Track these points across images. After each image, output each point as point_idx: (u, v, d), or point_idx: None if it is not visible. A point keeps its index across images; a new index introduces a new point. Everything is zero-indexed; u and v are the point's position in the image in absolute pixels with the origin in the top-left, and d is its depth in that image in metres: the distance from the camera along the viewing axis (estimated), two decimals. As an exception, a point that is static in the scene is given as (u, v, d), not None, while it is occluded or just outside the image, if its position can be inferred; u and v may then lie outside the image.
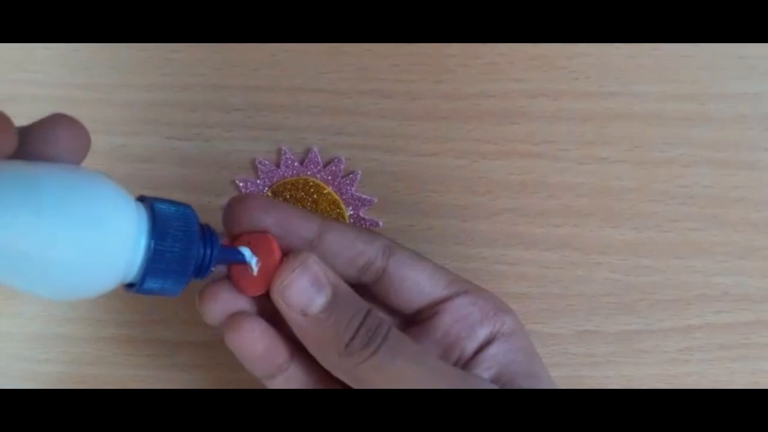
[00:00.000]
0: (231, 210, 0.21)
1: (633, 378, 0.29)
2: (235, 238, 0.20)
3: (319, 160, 0.27)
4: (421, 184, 0.28)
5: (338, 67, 0.27)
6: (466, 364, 0.22)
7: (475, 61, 0.27)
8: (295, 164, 0.27)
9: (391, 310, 0.23)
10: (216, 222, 0.28)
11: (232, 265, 0.20)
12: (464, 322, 0.22)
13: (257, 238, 0.20)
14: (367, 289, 0.22)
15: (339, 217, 0.27)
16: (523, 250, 0.28)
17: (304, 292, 0.19)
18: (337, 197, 0.27)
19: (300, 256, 0.20)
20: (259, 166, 0.27)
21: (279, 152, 0.27)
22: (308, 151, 0.27)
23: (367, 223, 0.27)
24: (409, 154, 0.28)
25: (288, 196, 0.27)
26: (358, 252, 0.21)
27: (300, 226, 0.21)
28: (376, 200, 0.27)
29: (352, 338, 0.19)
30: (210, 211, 0.27)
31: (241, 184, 0.27)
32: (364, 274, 0.22)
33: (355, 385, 0.20)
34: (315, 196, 0.27)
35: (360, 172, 0.27)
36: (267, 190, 0.27)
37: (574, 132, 0.27)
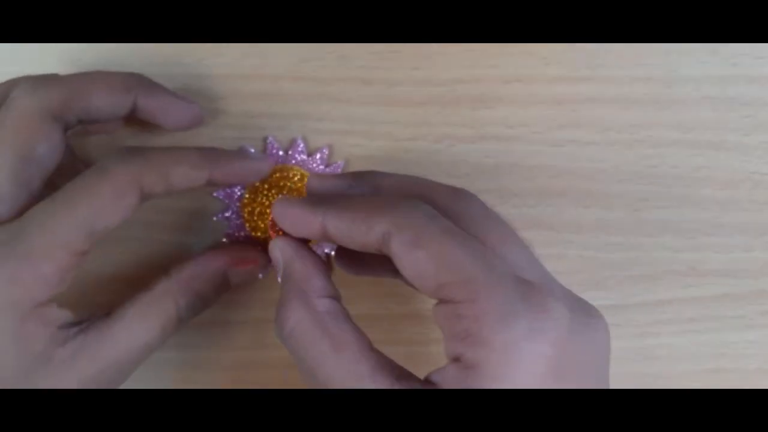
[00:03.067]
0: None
1: (606, 351, 0.30)
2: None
3: (303, 149, 0.28)
4: (401, 168, 0.29)
5: (319, 55, 0.28)
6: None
7: (451, 48, 0.28)
8: (280, 153, 0.28)
9: None
10: (206, 208, 0.29)
11: None
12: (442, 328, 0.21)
13: None
14: None
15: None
16: (500, 230, 0.29)
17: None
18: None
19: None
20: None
21: (265, 142, 0.28)
22: (293, 140, 0.28)
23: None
24: (389, 139, 0.29)
25: (273, 183, 0.28)
26: (355, 240, 0.22)
27: (306, 224, 0.23)
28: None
29: None
30: (197, 198, 0.29)
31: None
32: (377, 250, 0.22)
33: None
34: (299, 185, 0.28)
35: (343, 163, 0.28)
36: None
37: (546, 115, 0.28)
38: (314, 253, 0.24)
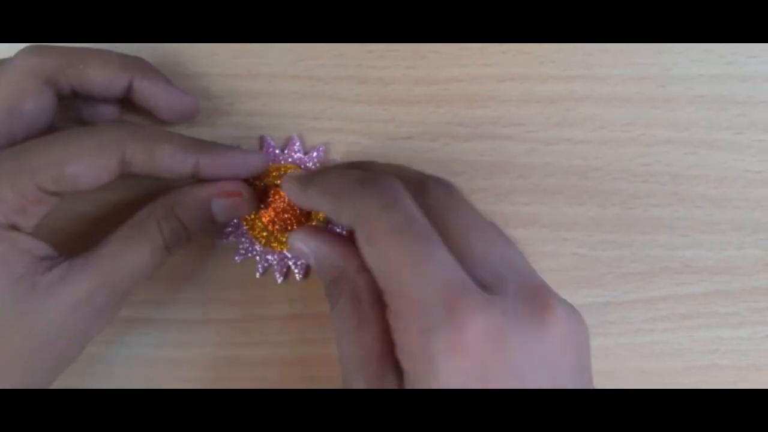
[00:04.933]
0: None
1: (601, 348, 0.31)
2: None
3: (300, 147, 0.28)
4: (397, 166, 0.29)
5: (315, 54, 0.28)
6: None
7: (446, 47, 0.28)
8: (276, 152, 0.28)
9: None
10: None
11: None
12: None
13: None
14: None
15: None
16: (495, 227, 0.29)
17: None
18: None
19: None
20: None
21: (261, 140, 0.29)
22: (289, 139, 0.28)
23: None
24: (384, 137, 0.29)
25: (270, 182, 0.28)
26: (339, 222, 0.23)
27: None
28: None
29: None
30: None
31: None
32: None
33: None
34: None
35: (338, 160, 0.29)
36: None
37: (540, 114, 0.29)
38: (336, 233, 0.25)
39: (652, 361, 0.31)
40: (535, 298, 0.20)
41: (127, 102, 0.27)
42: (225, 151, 0.26)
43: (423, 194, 0.22)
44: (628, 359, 0.31)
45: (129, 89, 0.26)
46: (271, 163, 0.28)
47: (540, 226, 0.29)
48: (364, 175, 0.22)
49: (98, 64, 0.25)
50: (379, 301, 0.21)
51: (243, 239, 0.29)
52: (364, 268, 0.22)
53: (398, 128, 0.29)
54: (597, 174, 0.29)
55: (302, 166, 0.28)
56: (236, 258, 0.29)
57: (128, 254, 0.24)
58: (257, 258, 0.29)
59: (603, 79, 0.28)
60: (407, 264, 0.20)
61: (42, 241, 0.24)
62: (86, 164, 0.23)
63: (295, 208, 0.28)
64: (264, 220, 0.28)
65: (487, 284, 0.20)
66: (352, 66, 0.28)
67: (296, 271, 0.29)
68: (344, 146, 0.29)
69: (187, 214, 0.26)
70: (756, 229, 0.30)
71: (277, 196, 0.28)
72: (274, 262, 0.29)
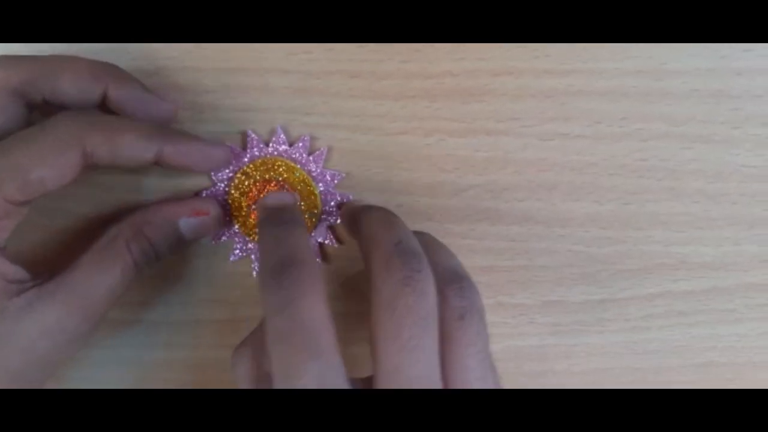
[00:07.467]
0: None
1: (597, 345, 0.30)
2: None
3: (284, 139, 0.28)
4: (390, 162, 0.29)
5: (307, 48, 0.28)
6: None
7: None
8: (261, 146, 0.28)
9: None
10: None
11: None
12: None
13: None
14: None
15: (310, 195, 0.28)
16: (490, 225, 0.29)
17: None
18: (305, 174, 0.28)
19: None
20: (229, 149, 0.28)
21: (245, 136, 0.28)
22: (273, 131, 0.28)
23: (338, 197, 0.28)
24: (378, 133, 0.28)
25: (258, 177, 0.28)
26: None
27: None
28: (344, 175, 0.28)
29: None
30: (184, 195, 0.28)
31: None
32: None
33: None
34: (285, 175, 0.28)
35: (326, 148, 0.28)
36: (238, 173, 0.28)
37: (536, 109, 0.28)
38: None
39: (648, 358, 0.30)
40: None
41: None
42: (188, 140, 0.25)
43: (443, 294, 0.21)
44: (624, 357, 0.30)
45: (104, 97, 0.25)
46: (258, 158, 0.28)
47: (535, 223, 0.29)
48: (406, 242, 0.22)
49: (70, 74, 0.24)
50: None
51: (236, 239, 0.28)
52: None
53: (392, 123, 0.28)
54: (593, 169, 0.29)
55: (289, 158, 0.28)
56: (231, 257, 0.28)
57: (99, 277, 0.24)
58: (252, 257, 0.28)
59: (599, 73, 0.28)
60: (399, 345, 0.20)
61: (14, 262, 0.23)
62: (49, 165, 0.22)
63: None
64: (253, 217, 0.27)
65: None
66: (344, 60, 0.28)
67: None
68: (337, 142, 0.28)
69: (155, 233, 0.26)
70: (753, 225, 0.29)
71: (264, 192, 0.27)
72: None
